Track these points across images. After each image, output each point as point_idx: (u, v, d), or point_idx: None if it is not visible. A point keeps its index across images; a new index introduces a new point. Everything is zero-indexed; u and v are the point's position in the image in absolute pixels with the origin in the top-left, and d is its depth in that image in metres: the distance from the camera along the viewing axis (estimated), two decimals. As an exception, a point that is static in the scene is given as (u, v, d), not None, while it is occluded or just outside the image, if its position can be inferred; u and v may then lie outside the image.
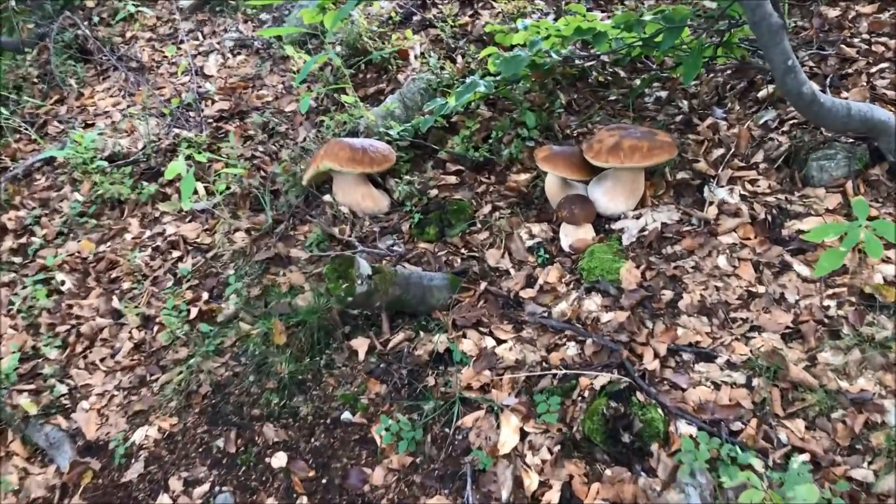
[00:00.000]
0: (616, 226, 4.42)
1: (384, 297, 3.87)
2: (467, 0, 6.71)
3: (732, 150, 4.71)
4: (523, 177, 4.87)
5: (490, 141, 5.06)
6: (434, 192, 4.82)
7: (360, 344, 4.08)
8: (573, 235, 4.34)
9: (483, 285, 4.24)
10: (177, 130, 5.96)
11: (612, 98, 5.38)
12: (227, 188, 5.27)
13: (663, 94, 5.35)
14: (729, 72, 5.32)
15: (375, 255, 4.29)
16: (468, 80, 4.71)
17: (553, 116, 5.21)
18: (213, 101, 6.32)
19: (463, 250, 4.50)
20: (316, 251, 4.69)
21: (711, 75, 5.37)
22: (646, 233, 4.33)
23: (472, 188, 4.92)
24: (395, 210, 4.87)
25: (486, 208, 4.67)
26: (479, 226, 4.61)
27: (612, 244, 4.29)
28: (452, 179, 4.98)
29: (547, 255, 4.37)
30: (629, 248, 4.29)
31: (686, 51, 4.70)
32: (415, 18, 6.59)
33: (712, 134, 4.85)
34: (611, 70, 5.60)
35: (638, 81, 5.51)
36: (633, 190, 4.38)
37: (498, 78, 4.79)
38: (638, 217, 4.42)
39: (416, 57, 6.21)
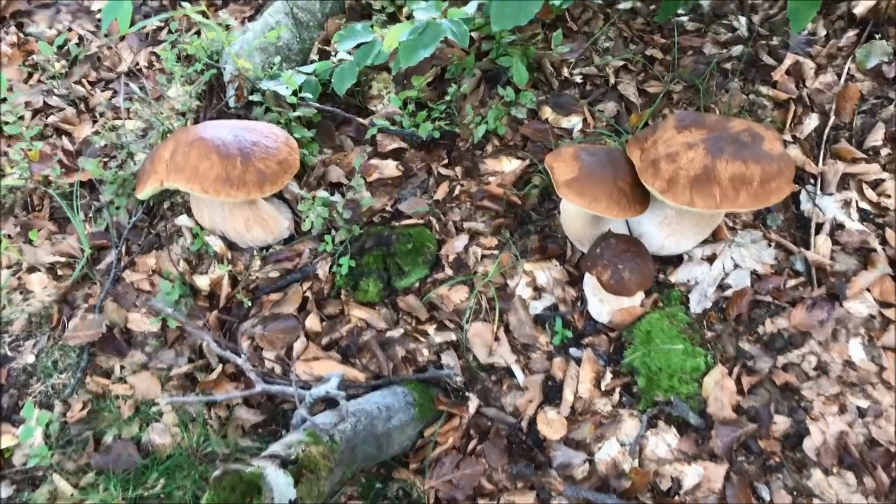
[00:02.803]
0: (677, 276, 2.72)
1: (319, 504, 2.11)
2: None
3: (833, 118, 2.99)
4: (508, 166, 3.00)
5: (448, 98, 3.08)
6: (365, 195, 2.88)
7: (276, 542, 2.35)
8: (614, 304, 2.62)
9: (473, 406, 2.53)
10: None
11: (625, 6, 3.43)
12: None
13: (704, 1, 3.44)
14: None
15: (290, 395, 2.40)
16: (421, 17, 2.64)
17: (543, 49, 3.24)
18: (-32, -8, 3.86)
19: (428, 326, 2.70)
20: (175, 315, 2.76)
21: (776, -30, 3.48)
22: (728, 293, 2.67)
23: (426, 188, 3.01)
24: (302, 236, 2.93)
25: (459, 241, 2.82)
26: (448, 270, 2.79)
27: (675, 313, 2.62)
28: (391, 168, 3.04)
29: (569, 332, 2.66)
30: (703, 321, 2.64)
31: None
32: None
33: (796, 86, 3.08)
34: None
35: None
36: (710, 222, 2.64)
37: (473, 17, 2.74)
38: (710, 259, 2.72)
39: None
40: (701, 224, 2.61)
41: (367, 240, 2.79)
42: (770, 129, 2.49)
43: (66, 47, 3.61)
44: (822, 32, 3.23)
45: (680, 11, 3.36)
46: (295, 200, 2.92)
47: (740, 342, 2.58)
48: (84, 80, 3.52)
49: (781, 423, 2.42)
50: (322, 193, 2.77)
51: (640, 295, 2.65)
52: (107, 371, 2.75)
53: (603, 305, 2.64)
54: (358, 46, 2.91)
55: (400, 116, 3.06)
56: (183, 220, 2.90)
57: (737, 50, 3.20)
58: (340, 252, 2.79)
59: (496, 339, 2.65)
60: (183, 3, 3.11)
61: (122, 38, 3.65)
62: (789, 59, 3.11)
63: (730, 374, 2.49)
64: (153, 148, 2.96)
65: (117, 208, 3.00)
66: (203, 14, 3.03)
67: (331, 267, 2.81)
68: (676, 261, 2.75)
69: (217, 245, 2.83)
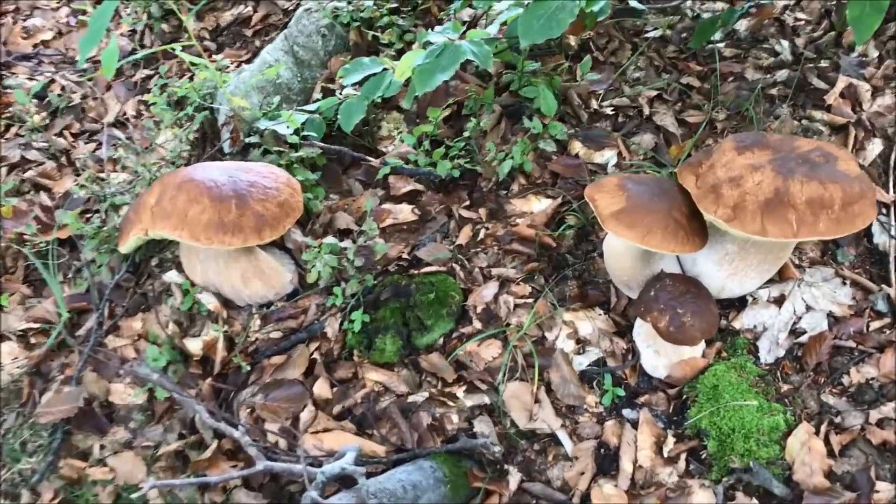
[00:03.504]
0: (742, 322, 2.37)
1: None
2: None
3: (899, 142, 2.68)
4: (538, 206, 2.68)
5: (466, 134, 2.78)
6: (379, 241, 2.55)
7: None
8: (672, 355, 2.26)
9: (514, 482, 2.13)
10: None
11: (654, 34, 3.16)
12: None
13: (740, 25, 3.18)
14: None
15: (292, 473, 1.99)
16: (437, 40, 2.36)
17: (567, 81, 2.96)
18: (-56, 45, 3.61)
19: (456, 388, 2.33)
20: (163, 383, 2.39)
21: (814, -9, 3.22)
22: (802, 339, 2.30)
23: (446, 232, 2.68)
24: (308, 290, 2.58)
25: (487, 289, 2.47)
26: (476, 323, 2.43)
27: (744, 364, 2.25)
28: (406, 213, 2.71)
29: (620, 390, 2.28)
30: (777, 372, 2.27)
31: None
32: None
33: (852, 109, 2.77)
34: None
35: (689, 1, 3.29)
36: (778, 257, 2.30)
37: (495, 38, 2.46)
38: (779, 302, 2.37)
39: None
40: (768, 260, 2.27)
41: (383, 291, 2.44)
42: (842, 149, 2.18)
43: (47, 98, 3.33)
44: (874, 54, 2.94)
45: (716, 37, 3.09)
46: (298, 250, 2.59)
47: (823, 395, 2.21)
48: (66, 132, 3.23)
49: (885, 490, 2.02)
50: (330, 240, 2.44)
51: (702, 344, 2.29)
52: (84, 452, 2.36)
53: (659, 358, 2.28)
54: (366, 80, 2.63)
55: (414, 155, 2.75)
56: (172, 276, 2.55)
57: (782, 74, 2.91)
58: (352, 306, 2.43)
59: (537, 400, 2.27)
60: (174, 46, 2.83)
61: (109, 88, 3.38)
62: (842, 82, 2.81)
63: (816, 432, 2.11)
64: (138, 196, 2.64)
65: (99, 266, 2.67)
66: (195, 53, 2.75)
67: (341, 324, 2.45)
68: (739, 304, 2.40)
69: (211, 303, 2.48)
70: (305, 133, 2.69)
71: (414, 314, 2.40)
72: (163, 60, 3.27)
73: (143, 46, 3.56)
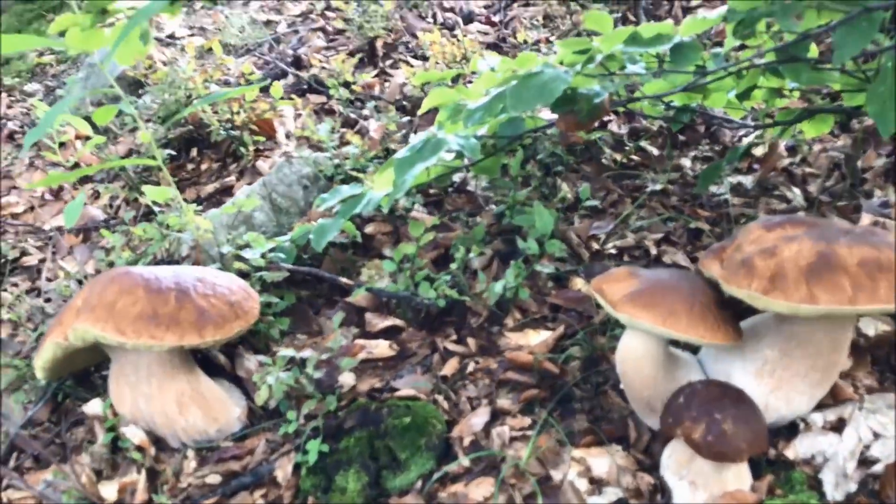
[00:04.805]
0: (796, 451, 1.88)
1: None
2: (365, 53, 4.28)
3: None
4: (537, 338, 2.29)
5: (454, 266, 2.47)
6: (348, 378, 2.13)
7: None
8: (713, 485, 1.75)
9: None
10: None
11: (655, 187, 2.97)
12: None
13: (746, 179, 3.01)
14: (844, 143, 3.08)
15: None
16: (419, 139, 2.15)
17: (564, 217, 2.73)
18: None
19: (437, 535, 1.79)
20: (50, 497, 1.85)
21: (818, 147, 3.10)
22: (877, 469, 1.81)
23: (429, 366, 2.27)
24: (257, 426, 2.12)
25: (477, 417, 2.02)
26: (463, 460, 1.94)
27: (807, 501, 1.74)
28: (382, 348, 2.32)
29: (650, 538, 1.74)
30: (850, 511, 1.75)
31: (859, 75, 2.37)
32: (285, 81, 4.06)
33: (883, 242, 2.48)
34: (633, 144, 3.23)
35: (688, 161, 3.16)
36: (829, 362, 1.88)
37: (479, 135, 2.27)
38: (838, 428, 1.90)
39: (287, 135, 3.65)
40: (817, 366, 1.85)
41: (348, 418, 1.98)
42: (884, 229, 1.87)
43: (2, 259, 3.09)
44: (894, 198, 2.74)
45: (721, 190, 2.90)
46: (250, 379, 2.16)
47: (917, 538, 1.68)
48: (13, 289, 2.93)
49: None
50: (287, 352, 2.03)
51: (747, 476, 1.79)
52: None
53: (696, 492, 1.77)
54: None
55: (394, 286, 2.43)
56: (93, 408, 2.10)
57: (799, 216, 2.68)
58: (308, 436, 1.96)
59: (541, 549, 1.73)
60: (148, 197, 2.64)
61: (70, 251, 3.14)
62: (867, 218, 2.56)
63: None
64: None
65: (10, 409, 2.23)
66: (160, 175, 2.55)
67: (294, 466, 1.96)
68: (788, 432, 1.93)
69: (137, 436, 2.01)
70: (274, 257, 2.39)
71: (384, 444, 1.92)
72: (127, 223, 3.06)
73: (115, 217, 3.38)
